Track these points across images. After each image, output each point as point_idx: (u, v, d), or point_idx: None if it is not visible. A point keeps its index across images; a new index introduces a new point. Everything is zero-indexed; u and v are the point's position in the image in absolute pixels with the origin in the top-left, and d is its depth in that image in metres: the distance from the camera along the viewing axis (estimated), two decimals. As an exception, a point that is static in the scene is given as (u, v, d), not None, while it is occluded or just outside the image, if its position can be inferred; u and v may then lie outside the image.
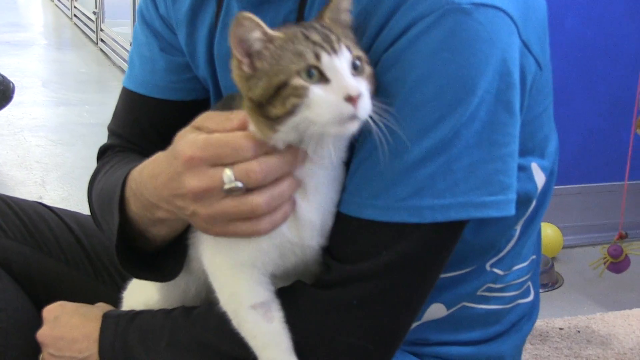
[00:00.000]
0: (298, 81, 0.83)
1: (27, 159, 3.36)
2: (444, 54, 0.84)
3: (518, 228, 1.07)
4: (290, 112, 0.83)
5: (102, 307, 1.12)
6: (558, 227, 2.61)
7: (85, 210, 2.64)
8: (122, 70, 5.29)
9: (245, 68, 0.88)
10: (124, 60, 5.26)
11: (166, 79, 1.21)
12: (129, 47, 5.00)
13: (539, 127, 1.02)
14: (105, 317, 1.06)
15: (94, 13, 6.19)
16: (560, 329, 2.11)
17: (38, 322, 1.12)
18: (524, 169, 0.99)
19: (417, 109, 0.85)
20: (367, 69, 0.86)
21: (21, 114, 3.90)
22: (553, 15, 1.01)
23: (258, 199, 0.88)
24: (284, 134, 0.85)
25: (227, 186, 0.87)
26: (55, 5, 8.65)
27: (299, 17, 0.99)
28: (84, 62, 5.75)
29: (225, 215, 0.89)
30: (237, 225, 0.90)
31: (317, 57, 0.84)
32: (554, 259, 2.57)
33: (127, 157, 1.22)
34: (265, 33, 0.86)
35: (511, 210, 0.90)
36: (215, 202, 0.89)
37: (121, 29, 5.82)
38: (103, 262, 1.38)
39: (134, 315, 1.05)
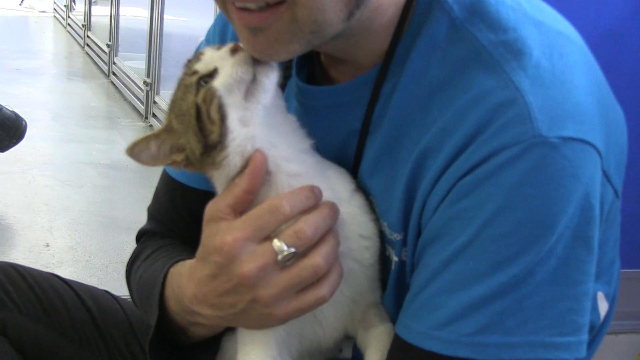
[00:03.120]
0: (201, 95, 0.90)
1: (34, 201, 3.31)
2: (526, 189, 0.81)
3: None
4: (223, 117, 0.89)
5: None
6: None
7: (91, 261, 2.64)
8: (132, 106, 5.28)
9: (179, 158, 0.96)
10: (135, 96, 5.25)
11: None
12: (141, 83, 5.03)
13: (605, 252, 0.97)
14: None
15: (108, 45, 6.19)
16: None
17: None
18: None
19: (492, 242, 0.82)
20: None
21: (30, 149, 3.86)
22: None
23: (316, 259, 0.88)
24: (234, 140, 0.90)
25: (281, 255, 0.87)
26: (68, 32, 8.67)
27: (366, 122, 0.96)
28: (95, 95, 5.73)
29: (289, 287, 0.88)
30: (301, 298, 0.89)
31: (195, 72, 0.93)
32: None
33: (168, 243, 1.22)
34: (157, 135, 0.95)
35: (582, 352, 0.85)
36: (274, 279, 0.88)
37: (134, 63, 5.81)
38: (117, 343, 1.35)
39: None
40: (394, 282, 0.96)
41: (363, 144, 0.97)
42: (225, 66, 0.91)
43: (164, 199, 1.25)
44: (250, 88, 0.90)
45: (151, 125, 4.80)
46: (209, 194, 1.01)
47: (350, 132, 0.98)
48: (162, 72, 4.92)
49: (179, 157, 0.96)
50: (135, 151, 0.95)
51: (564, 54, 0.88)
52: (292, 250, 0.87)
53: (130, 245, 2.83)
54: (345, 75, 1.00)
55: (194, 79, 0.92)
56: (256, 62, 0.90)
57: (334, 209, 0.91)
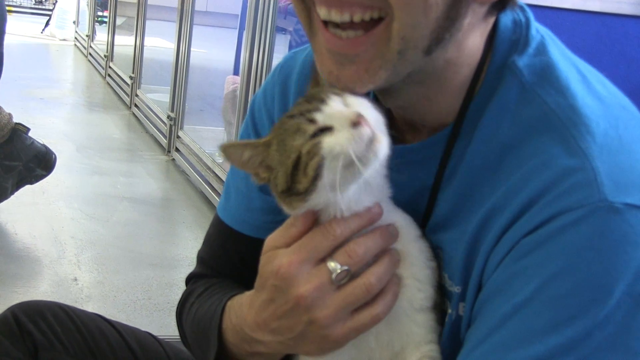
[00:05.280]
0: (307, 147, 0.89)
1: (61, 234, 3.34)
2: (588, 252, 0.83)
3: None
4: (316, 176, 0.89)
5: None
6: None
7: (119, 297, 2.67)
8: (155, 139, 5.33)
9: (263, 175, 0.96)
10: (158, 129, 5.29)
11: (261, 218, 1.22)
12: (164, 117, 5.08)
13: None
14: None
15: (131, 77, 6.26)
16: None
17: None
18: None
19: (550, 302, 0.84)
20: None
21: (56, 181, 3.89)
22: None
23: (369, 278, 0.92)
24: (316, 198, 0.90)
25: (335, 274, 0.91)
26: (89, 61, 8.77)
27: (438, 179, 0.99)
28: (116, 127, 5.79)
29: (344, 306, 0.92)
30: (356, 318, 0.93)
31: (312, 121, 0.90)
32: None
33: (219, 281, 1.26)
34: (254, 146, 0.95)
35: None
36: (329, 300, 0.92)
37: (157, 95, 5.87)
38: (161, 386, 1.37)
39: None
40: (447, 335, 0.98)
41: (434, 200, 1.00)
42: (342, 132, 0.88)
43: (216, 244, 1.29)
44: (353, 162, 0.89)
45: (173, 159, 4.84)
46: (261, 242, 1.05)
47: (422, 187, 1.01)
48: (186, 106, 4.96)
49: (264, 173, 0.97)
50: (229, 151, 0.97)
51: (628, 126, 0.92)
52: (345, 268, 0.91)
53: (157, 282, 2.90)
54: (418, 138, 1.04)
55: (310, 129, 0.91)
56: (371, 143, 0.88)
57: (386, 232, 0.95)
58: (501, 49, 0.97)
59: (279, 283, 0.94)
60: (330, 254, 0.93)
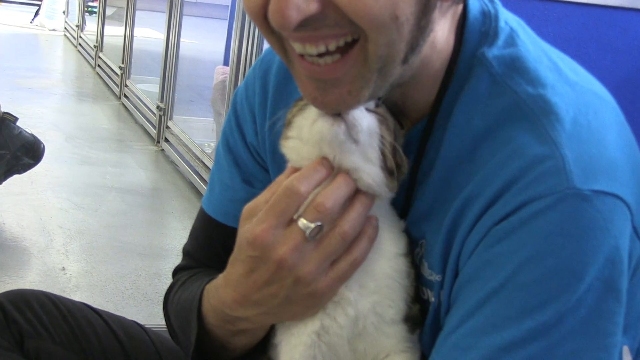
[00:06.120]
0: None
1: (49, 224, 3.34)
2: (558, 239, 0.84)
3: None
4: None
5: None
6: None
7: (107, 286, 2.67)
8: (144, 130, 5.32)
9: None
10: (147, 119, 5.29)
11: None
12: (153, 107, 5.07)
13: (633, 307, 0.99)
14: None
15: (121, 68, 6.24)
16: None
17: None
18: None
19: (522, 288, 0.85)
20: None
21: (44, 171, 3.89)
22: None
23: (342, 227, 0.94)
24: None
25: (308, 231, 0.92)
26: (79, 52, 8.73)
27: (414, 172, 1.00)
28: (106, 117, 5.78)
29: (324, 258, 0.94)
30: (337, 267, 0.95)
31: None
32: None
33: (203, 270, 1.27)
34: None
35: None
36: (309, 256, 0.94)
37: (146, 86, 5.86)
38: (148, 374, 1.37)
39: None
40: (430, 323, 1.00)
41: (412, 192, 1.02)
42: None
43: (201, 236, 1.30)
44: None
45: (162, 150, 4.83)
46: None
47: (402, 180, 1.02)
48: (176, 96, 4.95)
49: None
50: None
51: (599, 112, 0.93)
52: (318, 224, 0.93)
53: (145, 272, 2.90)
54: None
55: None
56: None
57: (348, 177, 0.95)
58: (471, 41, 0.98)
59: (257, 252, 0.95)
60: (300, 212, 0.94)
